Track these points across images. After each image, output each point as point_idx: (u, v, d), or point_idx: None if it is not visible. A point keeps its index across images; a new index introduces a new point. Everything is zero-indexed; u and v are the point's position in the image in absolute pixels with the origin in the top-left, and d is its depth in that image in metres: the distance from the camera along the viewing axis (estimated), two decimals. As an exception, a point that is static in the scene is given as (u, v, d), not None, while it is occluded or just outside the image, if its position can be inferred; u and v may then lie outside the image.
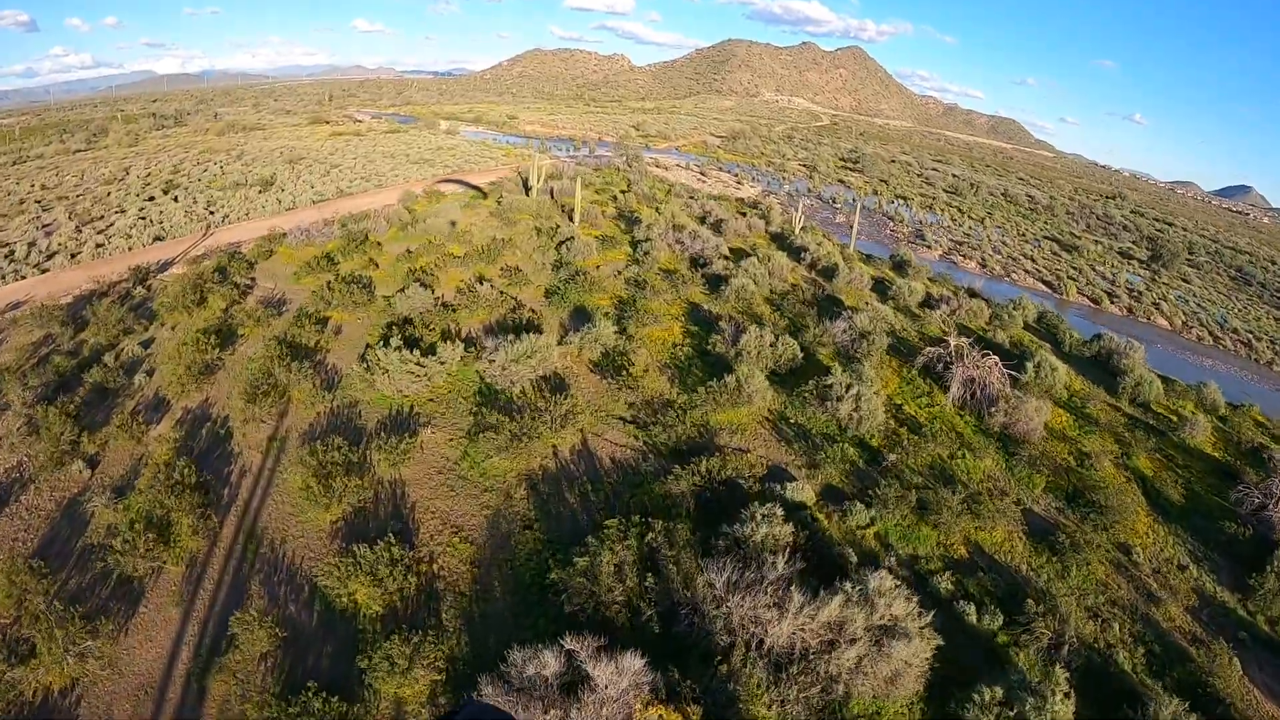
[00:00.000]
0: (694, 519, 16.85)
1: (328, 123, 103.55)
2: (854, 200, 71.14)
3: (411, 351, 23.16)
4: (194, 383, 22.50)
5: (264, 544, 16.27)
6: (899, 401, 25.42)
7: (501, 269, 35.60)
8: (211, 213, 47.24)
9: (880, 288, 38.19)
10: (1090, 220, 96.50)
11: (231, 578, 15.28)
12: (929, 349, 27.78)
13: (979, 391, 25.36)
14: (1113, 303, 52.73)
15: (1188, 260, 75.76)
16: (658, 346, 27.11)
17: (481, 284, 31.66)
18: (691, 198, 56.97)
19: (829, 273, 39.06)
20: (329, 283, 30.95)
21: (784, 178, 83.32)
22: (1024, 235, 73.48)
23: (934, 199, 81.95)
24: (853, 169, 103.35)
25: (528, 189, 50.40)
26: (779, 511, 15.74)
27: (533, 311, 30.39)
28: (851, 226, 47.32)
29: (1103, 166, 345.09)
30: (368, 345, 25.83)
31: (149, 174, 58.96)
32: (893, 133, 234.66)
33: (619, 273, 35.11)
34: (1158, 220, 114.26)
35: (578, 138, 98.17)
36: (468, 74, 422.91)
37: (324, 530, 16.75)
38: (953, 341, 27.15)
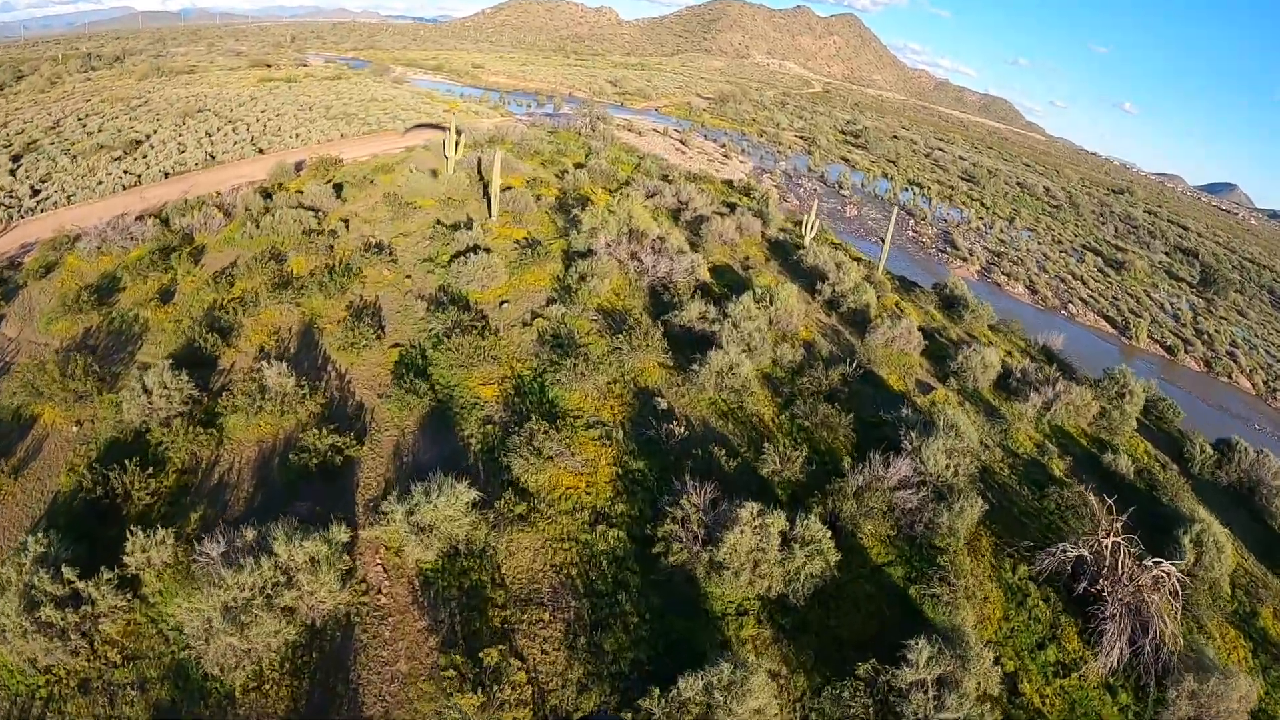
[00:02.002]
0: None
1: (269, 66, 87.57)
2: (881, 192, 57.05)
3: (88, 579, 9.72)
4: None
5: None
6: (1009, 664, 12.43)
7: (349, 306, 21.75)
8: (37, 191, 32.93)
9: (936, 352, 24.68)
10: (1116, 223, 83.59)
11: None
12: (1052, 550, 14.49)
13: (1145, 646, 12.52)
14: (1187, 351, 39.97)
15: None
16: (557, 527, 13.51)
17: (311, 331, 17.72)
18: (665, 177, 42.69)
19: (859, 320, 25.47)
20: (60, 352, 17.24)
21: (779, 151, 68.96)
22: (1059, 241, 60.30)
23: (953, 189, 68.23)
24: (855, 144, 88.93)
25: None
26: None
27: (352, 422, 16.75)
28: (883, 241, 33.27)
29: (1092, 153, 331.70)
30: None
31: (23, 129, 43.97)
32: (887, 105, 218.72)
33: (533, 315, 21.35)
34: (1172, 222, 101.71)
35: (543, 92, 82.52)
36: (451, 20, 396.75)
37: None
38: (1103, 535, 14.02)
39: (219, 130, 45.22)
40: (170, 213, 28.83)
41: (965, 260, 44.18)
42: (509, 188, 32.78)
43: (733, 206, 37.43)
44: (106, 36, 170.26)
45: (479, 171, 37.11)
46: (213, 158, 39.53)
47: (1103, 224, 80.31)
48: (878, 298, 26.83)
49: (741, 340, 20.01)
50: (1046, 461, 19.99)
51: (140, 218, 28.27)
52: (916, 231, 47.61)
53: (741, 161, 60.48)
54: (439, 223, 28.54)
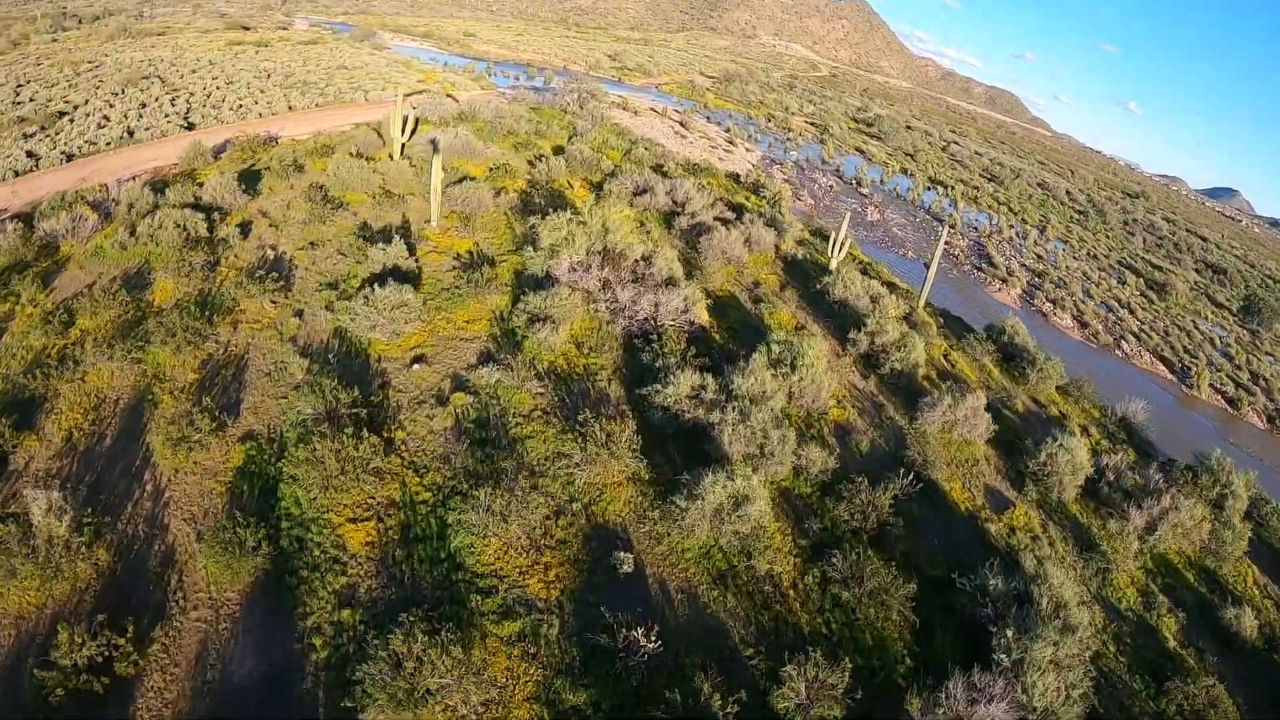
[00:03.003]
0: None
1: (247, 29, 79.67)
2: (903, 191, 49.94)
3: None
4: None
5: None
6: None
7: (205, 364, 15.06)
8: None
9: (1005, 436, 18.19)
10: (1143, 234, 76.97)
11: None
12: None
13: None
14: (1249, 403, 33.64)
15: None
16: None
17: (143, 405, 11.16)
18: (659, 168, 35.69)
19: (905, 385, 18.92)
20: None
21: (789, 139, 61.74)
22: (1095, 256, 53.64)
23: (977, 190, 61.24)
24: (868, 133, 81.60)
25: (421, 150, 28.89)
26: None
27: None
28: (926, 264, 26.45)
29: (1097, 152, 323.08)
30: None
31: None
32: (895, 92, 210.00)
33: (455, 384, 14.73)
34: (1190, 231, 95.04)
35: (535, 64, 74.72)
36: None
37: None
38: None
39: (156, 101, 37.90)
40: (39, 213, 21.79)
41: (1005, 281, 37.51)
42: (465, 179, 25.92)
43: (739, 210, 30.54)
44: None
45: (433, 157, 30.15)
46: (131, 134, 32.25)
47: (1131, 235, 73.69)
48: (925, 348, 20.16)
49: (752, 438, 13.43)
50: (1156, 622, 13.93)
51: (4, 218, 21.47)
52: (948, 242, 40.84)
53: (748, 149, 53.34)
54: (365, 227, 21.73)
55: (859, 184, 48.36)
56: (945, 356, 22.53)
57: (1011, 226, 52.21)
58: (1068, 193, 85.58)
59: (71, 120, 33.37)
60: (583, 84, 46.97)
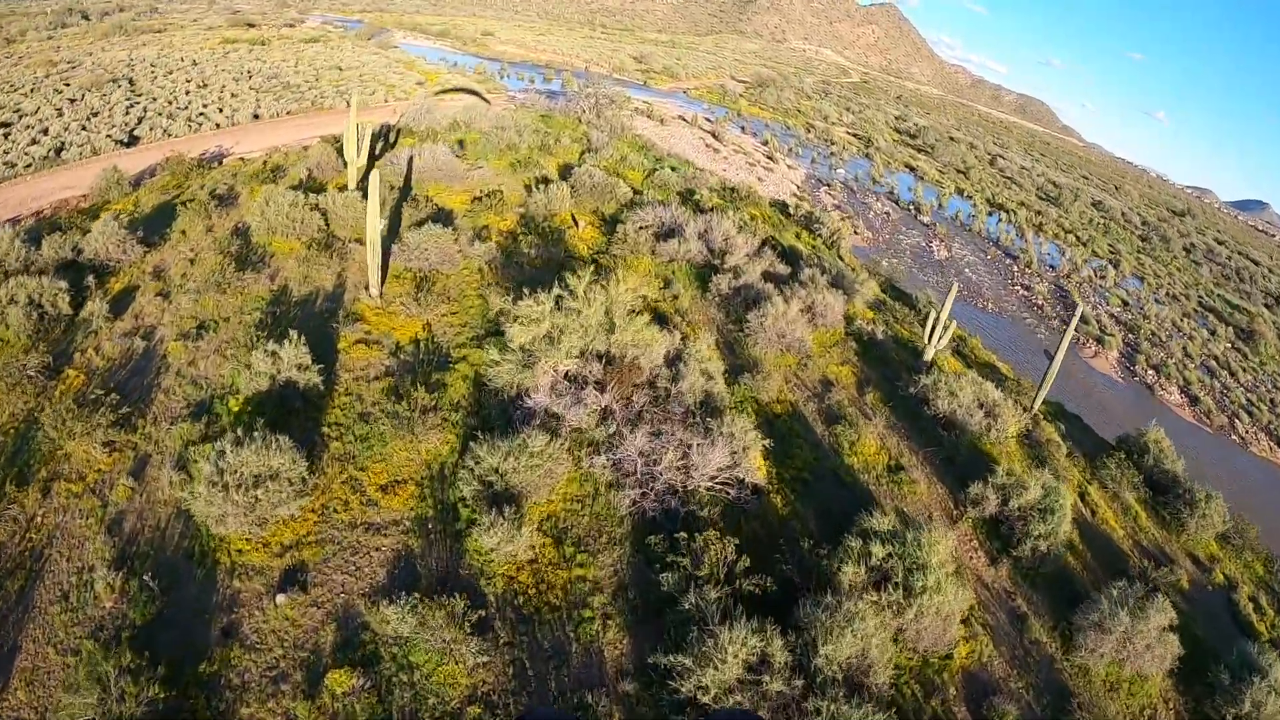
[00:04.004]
0: None
1: (252, 25, 74.23)
2: (965, 218, 42.71)
3: None
4: None
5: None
6: None
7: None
8: None
9: (1184, 656, 11.43)
10: (1209, 263, 69.04)
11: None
12: None
13: None
14: None
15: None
16: None
17: None
18: (689, 196, 29.05)
19: (1048, 576, 12.24)
20: None
21: (832, 153, 54.68)
22: (1175, 297, 46.20)
23: (1040, 215, 53.75)
24: (914, 145, 74.16)
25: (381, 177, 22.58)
26: None
27: None
28: (1051, 359, 19.47)
29: (1126, 162, 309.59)
30: None
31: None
32: (928, 99, 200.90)
33: (338, 631, 8.28)
34: (1241, 254, 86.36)
35: (553, 65, 68.14)
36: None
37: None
38: None
39: (109, 109, 31.97)
40: None
41: (1100, 342, 30.44)
42: (433, 217, 19.53)
43: (793, 258, 23.80)
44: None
45: (405, 179, 23.77)
46: (60, 153, 26.20)
47: (1197, 264, 65.83)
48: (1070, 506, 13.40)
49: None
50: None
51: None
52: (1026, 287, 33.69)
53: (790, 166, 46.42)
54: (281, 297, 15.44)
55: (917, 210, 41.29)
56: (1082, 497, 15.77)
57: (1086, 261, 44.91)
58: (1124, 215, 77.66)
59: (8, 134, 27.45)
60: (600, 88, 40.27)
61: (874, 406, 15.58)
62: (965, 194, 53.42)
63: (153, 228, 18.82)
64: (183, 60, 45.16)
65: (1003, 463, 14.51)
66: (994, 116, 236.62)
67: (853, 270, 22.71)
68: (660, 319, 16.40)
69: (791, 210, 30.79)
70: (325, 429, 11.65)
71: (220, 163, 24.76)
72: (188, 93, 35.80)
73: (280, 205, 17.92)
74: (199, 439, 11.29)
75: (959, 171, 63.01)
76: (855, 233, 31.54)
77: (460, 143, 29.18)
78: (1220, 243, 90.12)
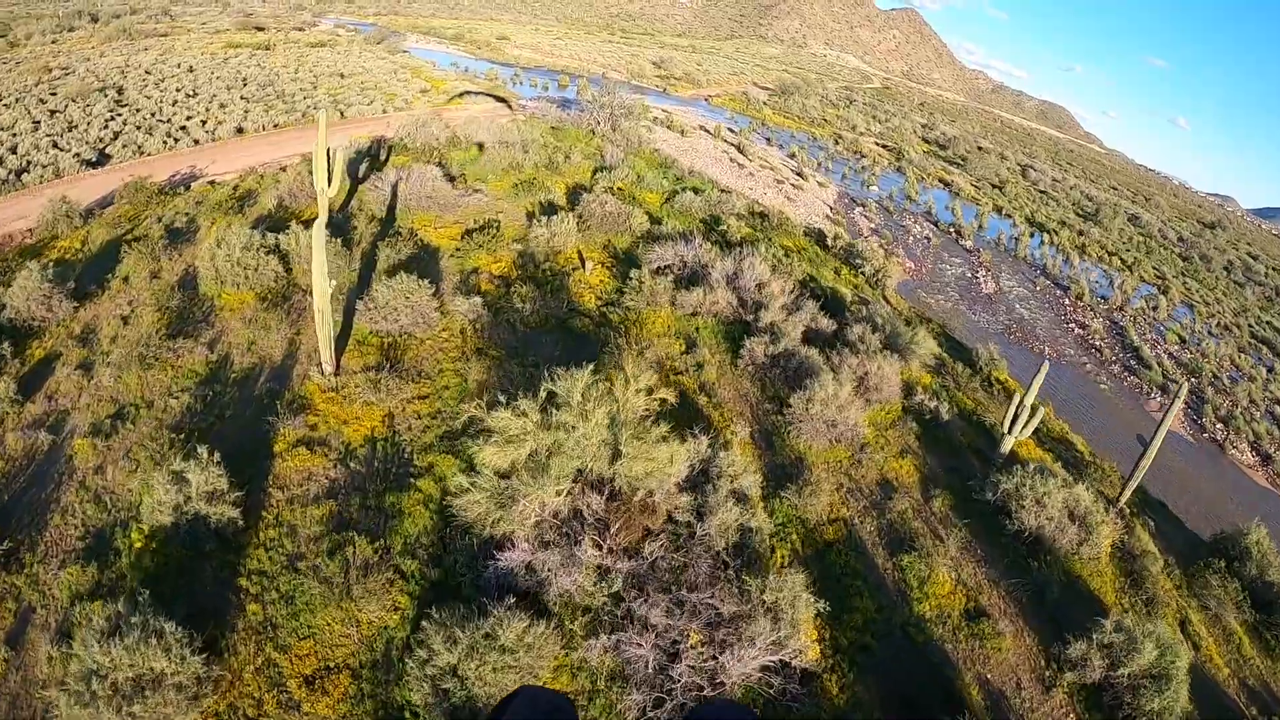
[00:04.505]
0: None
1: (260, 29, 72.13)
2: (1007, 243, 39.24)
3: None
4: None
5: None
6: None
7: None
8: None
9: None
10: (1251, 283, 65.00)
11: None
12: None
13: None
14: None
15: None
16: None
17: None
18: (713, 225, 26.07)
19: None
20: None
21: (864, 168, 51.32)
22: (1227, 328, 42.57)
23: (1083, 236, 50.12)
24: (945, 158, 70.58)
25: (354, 198, 19.81)
26: None
27: None
28: (1146, 446, 16.07)
29: (1148, 169, 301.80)
30: None
31: None
32: (951, 106, 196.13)
33: None
34: (1276, 270, 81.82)
35: (569, 71, 65.22)
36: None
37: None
38: None
39: (87, 122, 29.51)
40: None
41: (1165, 390, 27.05)
42: (423, 253, 16.70)
43: (837, 307, 20.68)
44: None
45: (389, 208, 20.92)
46: (20, 176, 23.59)
47: (1240, 285, 61.84)
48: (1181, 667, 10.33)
49: None
50: None
51: None
52: (1081, 324, 30.28)
53: (820, 183, 43.18)
54: (219, 373, 12.66)
55: (958, 233, 37.89)
56: (1183, 625, 12.65)
57: (1135, 290, 41.38)
58: (1160, 231, 73.69)
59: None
60: (616, 98, 37.22)
61: (943, 519, 12.51)
62: (1004, 212, 49.91)
63: (96, 271, 16.18)
64: (179, 67, 42.68)
65: (1109, 600, 11.41)
66: (1017, 123, 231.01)
67: (905, 321, 19.57)
68: (681, 400, 13.40)
69: (829, 241, 27.65)
70: (243, 579, 8.81)
71: (188, 187, 22.07)
72: (174, 103, 33.25)
73: (232, 248, 15.09)
74: (89, 591, 8.51)
75: (994, 186, 59.39)
76: (894, 257, 28.35)
77: (457, 162, 26.38)
78: (1254, 258, 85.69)
